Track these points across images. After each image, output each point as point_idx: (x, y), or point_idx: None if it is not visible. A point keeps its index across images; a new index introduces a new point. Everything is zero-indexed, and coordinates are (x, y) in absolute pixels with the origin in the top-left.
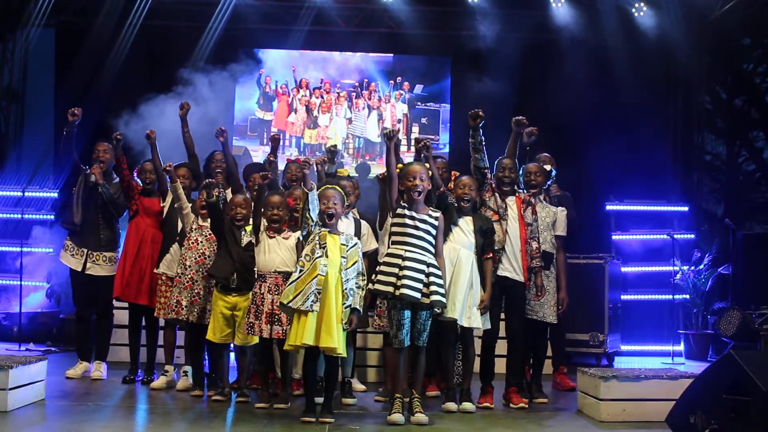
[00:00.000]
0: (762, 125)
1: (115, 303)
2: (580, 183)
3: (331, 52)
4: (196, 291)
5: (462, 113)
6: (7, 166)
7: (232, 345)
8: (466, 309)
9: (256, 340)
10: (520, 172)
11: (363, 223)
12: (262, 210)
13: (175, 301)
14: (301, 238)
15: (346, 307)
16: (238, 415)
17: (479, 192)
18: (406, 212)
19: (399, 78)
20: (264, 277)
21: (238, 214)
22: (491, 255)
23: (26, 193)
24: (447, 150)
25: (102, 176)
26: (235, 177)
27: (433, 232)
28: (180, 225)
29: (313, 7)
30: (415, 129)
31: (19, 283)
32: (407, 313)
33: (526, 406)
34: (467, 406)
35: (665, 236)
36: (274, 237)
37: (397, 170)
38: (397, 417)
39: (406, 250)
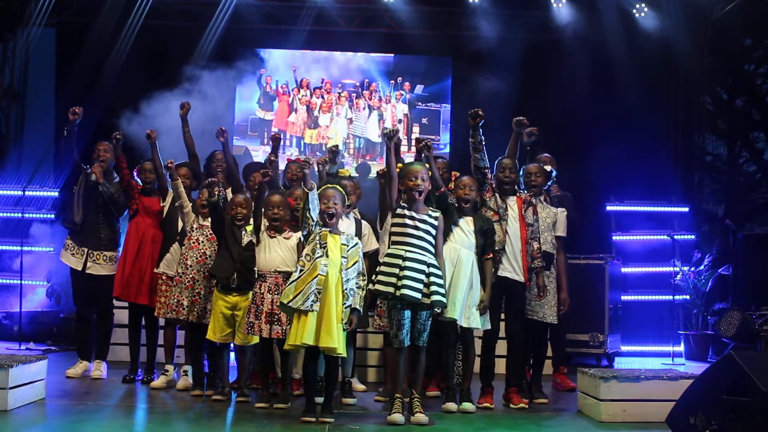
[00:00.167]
0: (763, 126)
1: (116, 302)
2: (581, 183)
3: (331, 52)
4: (197, 291)
5: (463, 113)
6: (8, 165)
7: (232, 345)
8: (466, 309)
9: (256, 339)
10: (521, 173)
11: (364, 223)
12: (263, 210)
13: (175, 301)
14: (302, 238)
15: (346, 307)
16: (238, 414)
17: (480, 192)
18: (406, 212)
19: (400, 78)
20: (264, 277)
21: (239, 214)
22: (491, 255)
23: (27, 193)
24: (447, 150)
25: (102, 175)
26: (236, 177)
27: (433, 232)
28: (180, 224)
29: (313, 7)
30: (416, 129)
31: (19, 282)
32: (407, 313)
33: (526, 406)
34: (467, 406)
35: (665, 237)
36: (275, 237)
37: (398, 170)
38: (397, 417)
39: (406, 251)
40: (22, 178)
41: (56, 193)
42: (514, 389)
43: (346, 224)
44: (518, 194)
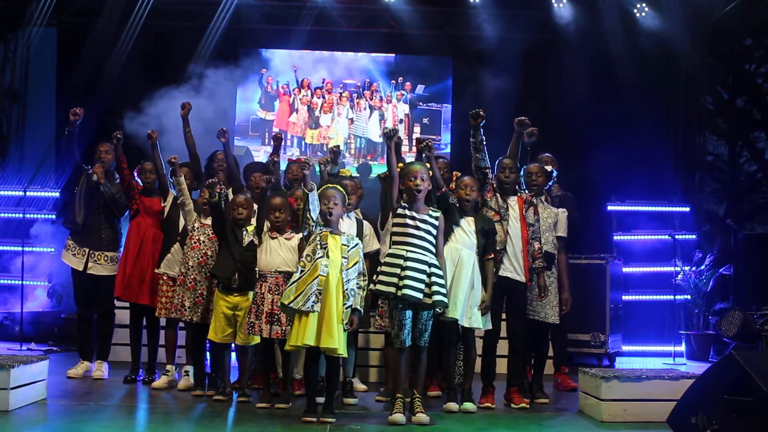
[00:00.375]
0: (763, 126)
1: (117, 303)
2: (582, 183)
3: (332, 52)
4: (199, 292)
5: (463, 113)
6: (9, 165)
7: (233, 345)
8: (468, 309)
9: (257, 339)
10: (522, 173)
11: (365, 223)
12: (265, 212)
13: (179, 301)
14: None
15: (347, 308)
16: (240, 414)
17: (481, 192)
18: (407, 212)
19: (401, 78)
20: (265, 277)
21: (240, 214)
22: (493, 255)
23: (28, 193)
24: (448, 150)
25: (103, 176)
26: (236, 177)
27: (434, 232)
28: (181, 224)
29: (314, 7)
30: (417, 129)
31: (20, 282)
32: (409, 314)
33: (528, 406)
34: (468, 406)
35: (667, 237)
36: (276, 237)
37: (398, 169)
38: (399, 417)
39: (407, 251)
40: (24, 178)
41: (57, 194)
42: (515, 389)
43: (348, 224)
44: (519, 194)
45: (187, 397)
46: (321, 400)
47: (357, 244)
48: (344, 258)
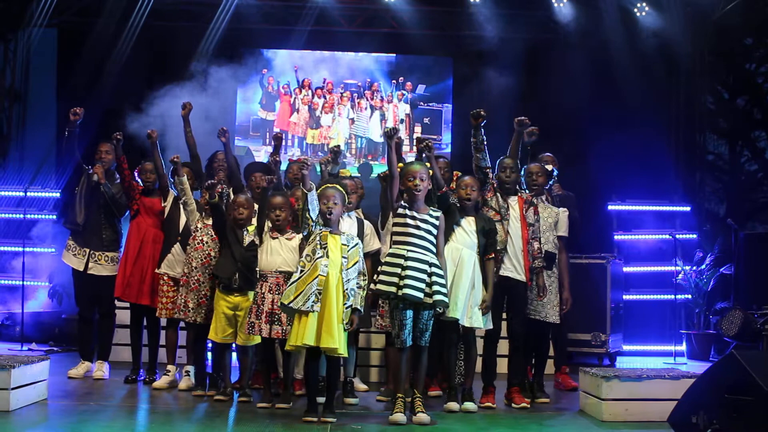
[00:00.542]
0: (764, 125)
1: (117, 303)
2: (583, 183)
3: (333, 52)
4: (202, 292)
5: (464, 113)
6: (10, 165)
7: (233, 345)
8: (468, 309)
9: (257, 339)
10: (522, 173)
11: (366, 223)
12: (266, 211)
13: (182, 302)
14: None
15: (347, 308)
16: (240, 414)
17: (481, 192)
18: (407, 212)
19: (401, 78)
20: (265, 277)
21: (240, 215)
22: (493, 255)
23: (28, 193)
24: (449, 150)
25: (104, 176)
26: (237, 177)
27: (435, 231)
28: (182, 225)
29: (315, 7)
30: (418, 129)
31: (21, 283)
32: (409, 313)
33: (528, 405)
34: (469, 405)
35: (667, 236)
36: (277, 237)
37: (399, 169)
38: (399, 417)
39: (408, 250)
40: (24, 178)
41: (58, 194)
42: (516, 389)
43: (348, 224)
44: (519, 194)
45: (188, 397)
46: (322, 399)
47: (357, 244)
48: (344, 258)
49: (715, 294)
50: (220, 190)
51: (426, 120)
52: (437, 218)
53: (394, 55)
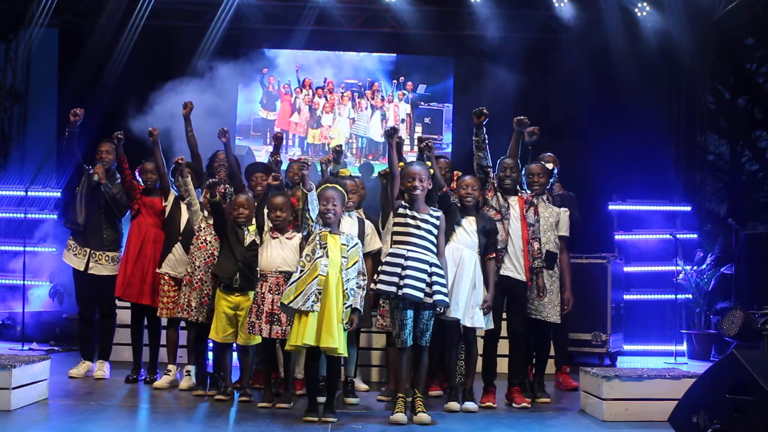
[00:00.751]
0: (765, 125)
1: (118, 302)
2: (583, 182)
3: (334, 51)
4: (205, 292)
5: (465, 113)
6: (10, 165)
7: (234, 344)
8: (469, 309)
9: (258, 339)
10: (523, 173)
11: (367, 222)
12: (267, 211)
13: (184, 301)
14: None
15: (347, 307)
16: (241, 414)
17: (482, 191)
18: (408, 212)
19: (402, 78)
20: (265, 277)
21: (241, 215)
22: (494, 255)
23: (29, 193)
24: (449, 150)
25: (105, 176)
26: (238, 177)
27: (435, 231)
28: (183, 224)
29: (315, 7)
30: (418, 129)
31: (22, 282)
32: (410, 313)
33: (529, 405)
34: (470, 405)
35: (668, 236)
36: (277, 237)
37: (399, 168)
38: (400, 416)
39: (408, 250)
40: (25, 178)
41: (59, 194)
42: (516, 388)
43: (349, 224)
44: (519, 194)
45: (189, 397)
46: (322, 399)
47: (356, 244)
48: (344, 258)
49: (716, 294)
50: (222, 190)
51: (427, 120)
52: (438, 218)
53: (395, 54)
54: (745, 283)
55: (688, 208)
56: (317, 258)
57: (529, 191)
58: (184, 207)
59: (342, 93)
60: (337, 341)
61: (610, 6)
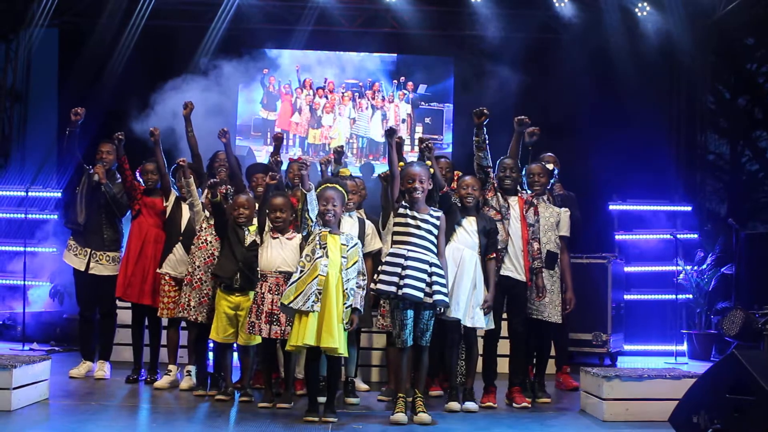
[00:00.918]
0: (765, 125)
1: (118, 302)
2: (583, 182)
3: (334, 52)
4: (204, 291)
5: (465, 113)
6: (11, 165)
7: (234, 345)
8: (470, 309)
9: (258, 339)
10: (523, 173)
11: (367, 222)
12: (267, 212)
13: (184, 300)
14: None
15: (347, 307)
16: (242, 414)
17: (482, 191)
18: (408, 212)
19: (403, 78)
20: (265, 277)
21: (241, 215)
22: (494, 255)
23: (30, 193)
24: (450, 150)
25: (105, 176)
26: (238, 177)
27: (435, 231)
28: (183, 225)
29: (316, 7)
30: (419, 129)
31: (22, 282)
32: (410, 313)
33: (529, 405)
34: (470, 405)
35: (668, 236)
36: (277, 237)
37: (400, 168)
38: (400, 416)
39: (408, 250)
40: (25, 178)
41: (59, 194)
42: (517, 388)
43: (350, 224)
44: (519, 194)
45: (190, 397)
46: (323, 399)
47: (356, 244)
48: (343, 258)
49: (716, 294)
50: (224, 190)
51: (427, 120)
52: (438, 218)
53: (396, 54)
54: (746, 283)
55: (689, 208)
56: (317, 258)
57: (529, 191)
58: (185, 207)
59: (342, 93)
60: (337, 341)
61: (610, 6)
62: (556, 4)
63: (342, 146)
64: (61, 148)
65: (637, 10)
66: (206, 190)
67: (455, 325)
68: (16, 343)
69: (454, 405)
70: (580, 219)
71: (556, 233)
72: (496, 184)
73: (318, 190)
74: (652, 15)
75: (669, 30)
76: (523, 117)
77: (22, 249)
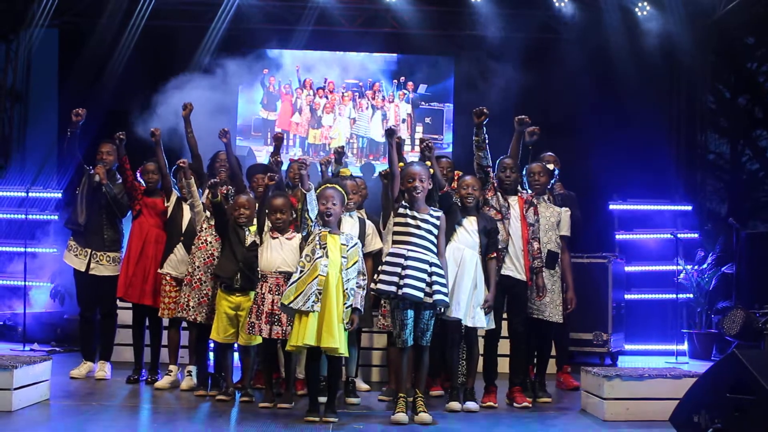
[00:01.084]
0: (765, 124)
1: (119, 303)
2: (584, 182)
3: (334, 52)
4: (204, 291)
5: (465, 113)
6: (11, 166)
7: (235, 345)
8: (470, 309)
9: (259, 339)
10: (523, 172)
11: (368, 222)
12: (267, 212)
13: (184, 300)
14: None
15: (347, 307)
16: (242, 414)
17: (482, 191)
18: (408, 212)
19: (403, 78)
20: (265, 277)
21: (242, 215)
22: (495, 255)
23: (30, 194)
24: (450, 150)
25: (105, 176)
26: (239, 177)
27: (435, 231)
28: (184, 225)
29: (316, 7)
30: (419, 129)
31: (23, 283)
32: (410, 313)
33: (530, 405)
34: (471, 405)
35: (669, 235)
36: (277, 237)
37: (400, 168)
38: (401, 416)
39: (408, 250)
40: (26, 179)
41: (59, 195)
42: (517, 388)
43: (350, 224)
44: (519, 194)
45: (190, 398)
46: (323, 399)
47: (356, 244)
48: (343, 258)
49: (717, 293)
50: (225, 191)
51: (427, 120)
52: (438, 218)
53: (396, 54)
54: (746, 282)
55: (689, 208)
56: (317, 258)
57: (530, 191)
58: (186, 207)
59: (343, 93)
60: (337, 341)
61: (610, 6)
62: (556, 4)
63: (342, 146)
64: (62, 149)
65: (637, 9)
66: (207, 191)
67: (456, 324)
68: (16, 343)
69: (455, 405)
70: (581, 219)
71: (557, 233)
72: (496, 184)
73: (318, 190)
74: (652, 15)
75: (669, 29)
76: (523, 116)
77: (22, 250)
